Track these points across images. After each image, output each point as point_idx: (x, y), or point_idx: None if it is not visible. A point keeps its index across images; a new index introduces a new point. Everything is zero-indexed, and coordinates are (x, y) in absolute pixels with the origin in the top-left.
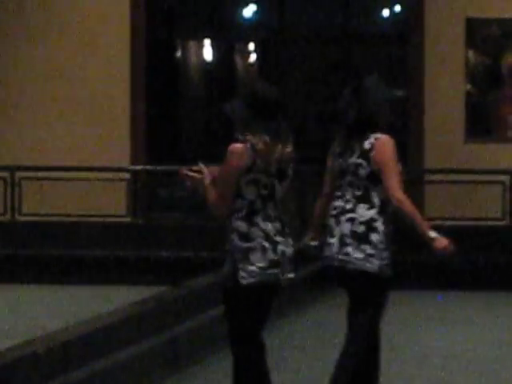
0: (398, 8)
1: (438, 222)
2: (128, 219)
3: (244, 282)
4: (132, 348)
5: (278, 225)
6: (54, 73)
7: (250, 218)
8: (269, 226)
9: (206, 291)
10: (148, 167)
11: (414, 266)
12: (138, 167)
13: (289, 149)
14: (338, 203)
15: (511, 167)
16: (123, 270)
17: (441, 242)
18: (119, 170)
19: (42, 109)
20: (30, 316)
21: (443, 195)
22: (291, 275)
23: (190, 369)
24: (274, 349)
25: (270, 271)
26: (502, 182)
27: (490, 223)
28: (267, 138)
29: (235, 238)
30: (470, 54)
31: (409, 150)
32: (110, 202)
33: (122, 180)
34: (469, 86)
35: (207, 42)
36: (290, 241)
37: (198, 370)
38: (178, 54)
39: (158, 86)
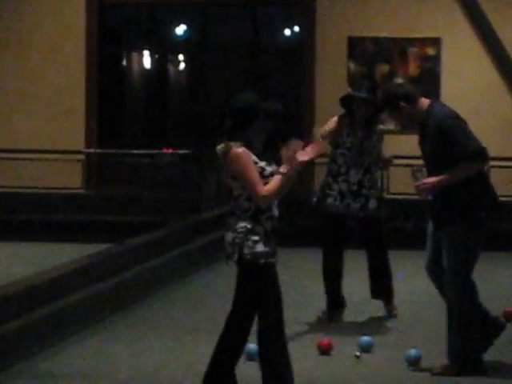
0: (295, 27)
1: None
2: (83, 191)
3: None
4: (84, 291)
5: (275, 223)
6: (23, 77)
7: (255, 217)
8: (269, 225)
9: (143, 248)
10: (98, 150)
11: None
12: (91, 150)
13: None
14: None
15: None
16: (78, 231)
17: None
18: (75, 152)
19: (16, 105)
20: (4, 265)
21: None
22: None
23: (130, 308)
24: (195, 292)
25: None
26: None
27: None
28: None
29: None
30: (351, 64)
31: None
32: (68, 178)
33: (78, 160)
34: (350, 90)
35: (146, 53)
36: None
37: (136, 308)
38: (124, 62)
39: (108, 86)
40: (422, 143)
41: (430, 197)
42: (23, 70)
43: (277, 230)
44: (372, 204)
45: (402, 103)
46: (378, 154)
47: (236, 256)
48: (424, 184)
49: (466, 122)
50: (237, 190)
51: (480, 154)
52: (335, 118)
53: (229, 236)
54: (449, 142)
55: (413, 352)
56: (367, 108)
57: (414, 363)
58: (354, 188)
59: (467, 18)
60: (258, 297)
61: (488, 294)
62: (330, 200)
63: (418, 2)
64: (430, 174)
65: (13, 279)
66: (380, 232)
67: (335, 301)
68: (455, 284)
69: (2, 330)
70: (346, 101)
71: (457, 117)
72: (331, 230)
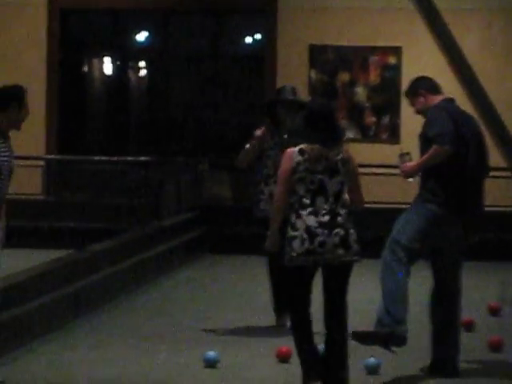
0: (257, 36)
1: None
2: (42, 197)
3: (285, 263)
4: (43, 297)
5: (326, 218)
6: None
7: (298, 211)
8: (311, 220)
9: (101, 254)
10: (59, 156)
11: None
12: (51, 156)
13: (336, 151)
14: None
15: None
16: (39, 237)
17: None
18: (36, 158)
19: None
20: None
21: None
22: (349, 257)
23: (90, 314)
24: (155, 299)
25: (304, 258)
26: None
27: None
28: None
29: (288, 226)
30: (312, 73)
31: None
32: (29, 184)
33: (38, 167)
34: (311, 98)
35: (107, 60)
36: (341, 230)
37: (96, 315)
38: (85, 68)
39: (69, 94)
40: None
41: (411, 179)
42: None
43: None
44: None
45: (423, 91)
46: None
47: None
48: (404, 167)
49: (455, 116)
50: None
51: (437, 138)
52: (254, 141)
53: (346, 234)
54: (428, 129)
55: (371, 360)
56: (292, 111)
57: (373, 371)
58: None
59: (428, 27)
60: None
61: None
62: (262, 204)
63: (380, 11)
64: None
65: None
66: None
67: (282, 305)
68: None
69: None
70: (269, 108)
71: (445, 108)
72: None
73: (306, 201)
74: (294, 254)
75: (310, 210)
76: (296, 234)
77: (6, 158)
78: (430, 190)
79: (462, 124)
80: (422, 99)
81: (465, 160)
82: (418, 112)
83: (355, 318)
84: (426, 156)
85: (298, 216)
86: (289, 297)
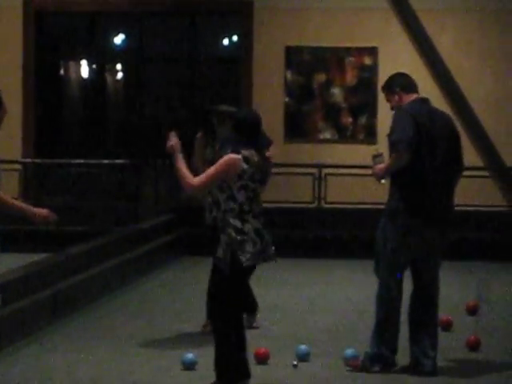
0: (233, 37)
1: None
2: (19, 201)
3: (242, 265)
4: (22, 300)
5: (262, 220)
6: None
7: (242, 217)
8: (256, 223)
9: (80, 257)
10: (36, 160)
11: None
12: (28, 160)
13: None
14: None
15: (320, 163)
16: (16, 241)
17: None
18: (12, 162)
19: None
20: None
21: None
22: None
23: (68, 317)
24: (134, 301)
25: (257, 257)
26: (313, 174)
27: (302, 206)
28: (254, 152)
29: (232, 231)
30: (288, 74)
31: None
32: (5, 188)
33: (15, 170)
34: (287, 99)
35: (84, 62)
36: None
37: (74, 317)
38: (62, 71)
39: (45, 96)
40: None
41: (383, 181)
42: None
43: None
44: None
45: (398, 89)
46: None
47: None
48: (374, 169)
49: (420, 120)
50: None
51: (395, 145)
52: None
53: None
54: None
55: (349, 351)
56: (225, 121)
57: (352, 363)
58: None
59: (404, 27)
60: None
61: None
62: (205, 213)
63: (356, 11)
64: None
65: None
66: None
67: (245, 306)
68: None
69: None
70: (205, 117)
71: (410, 111)
72: (210, 241)
73: (246, 207)
74: (248, 255)
75: (251, 214)
76: (245, 237)
77: None
78: (400, 199)
79: (431, 125)
80: (396, 97)
81: (430, 163)
82: (393, 109)
83: (353, 315)
84: (387, 162)
85: (245, 220)
86: (228, 301)
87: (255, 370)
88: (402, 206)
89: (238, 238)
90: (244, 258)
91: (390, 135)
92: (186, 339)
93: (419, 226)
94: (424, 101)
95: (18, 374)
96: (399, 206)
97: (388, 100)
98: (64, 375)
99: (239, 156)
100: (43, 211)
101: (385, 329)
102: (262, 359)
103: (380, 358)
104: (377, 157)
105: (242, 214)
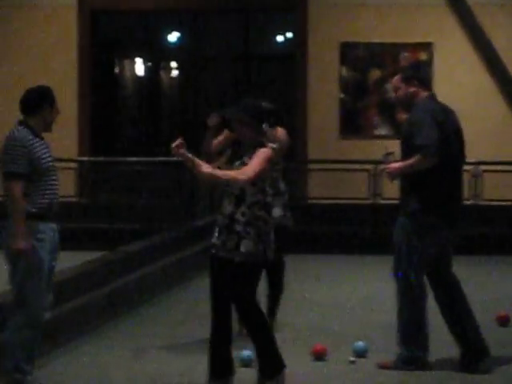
0: (288, 34)
1: (315, 201)
2: (76, 199)
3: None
4: (79, 298)
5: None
6: (15, 86)
7: (266, 208)
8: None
9: (136, 255)
10: (91, 158)
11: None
12: (84, 158)
13: None
14: None
15: (375, 159)
16: (72, 239)
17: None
18: (68, 160)
19: (8, 114)
20: None
21: (322, 180)
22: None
23: (124, 314)
24: (191, 299)
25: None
26: (368, 171)
27: (357, 202)
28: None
29: (262, 224)
30: (343, 70)
31: (295, 144)
32: (61, 186)
33: (71, 169)
34: (342, 95)
35: (139, 61)
36: None
37: (131, 314)
38: (117, 70)
39: (100, 94)
40: (402, 129)
41: (395, 181)
42: (15, 79)
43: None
44: (276, 212)
45: (416, 83)
46: None
47: None
48: (388, 168)
49: (439, 119)
50: None
51: (422, 150)
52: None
53: None
54: (413, 133)
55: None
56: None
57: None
58: None
59: (459, 23)
60: None
61: (480, 299)
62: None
63: (410, 7)
64: (402, 160)
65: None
66: (285, 242)
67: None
68: None
69: None
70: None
71: (431, 111)
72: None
73: (269, 199)
74: (273, 246)
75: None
76: (270, 229)
77: (49, 159)
78: (421, 199)
79: (444, 121)
80: (411, 89)
81: (449, 161)
82: (398, 98)
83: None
84: (410, 162)
85: (268, 212)
86: (250, 294)
87: (313, 366)
88: (423, 205)
89: (267, 229)
90: (270, 251)
91: (411, 135)
92: (244, 338)
93: (441, 225)
94: (435, 97)
95: (75, 371)
96: (421, 206)
97: (398, 88)
98: (121, 373)
99: (270, 150)
100: None
101: (413, 329)
102: (320, 356)
103: (413, 360)
104: (388, 155)
105: (266, 206)
